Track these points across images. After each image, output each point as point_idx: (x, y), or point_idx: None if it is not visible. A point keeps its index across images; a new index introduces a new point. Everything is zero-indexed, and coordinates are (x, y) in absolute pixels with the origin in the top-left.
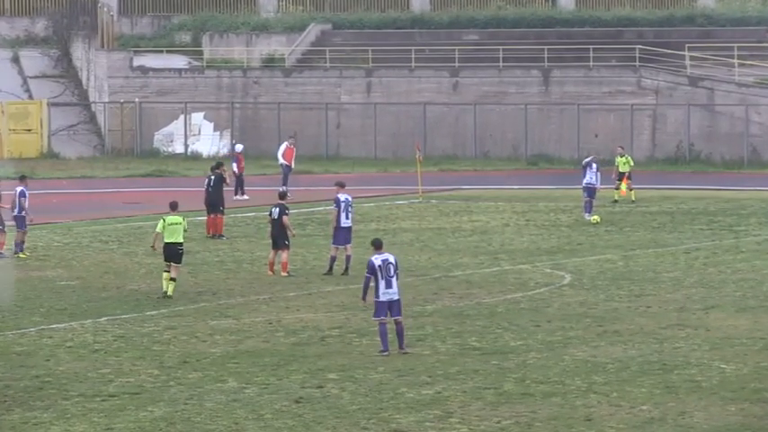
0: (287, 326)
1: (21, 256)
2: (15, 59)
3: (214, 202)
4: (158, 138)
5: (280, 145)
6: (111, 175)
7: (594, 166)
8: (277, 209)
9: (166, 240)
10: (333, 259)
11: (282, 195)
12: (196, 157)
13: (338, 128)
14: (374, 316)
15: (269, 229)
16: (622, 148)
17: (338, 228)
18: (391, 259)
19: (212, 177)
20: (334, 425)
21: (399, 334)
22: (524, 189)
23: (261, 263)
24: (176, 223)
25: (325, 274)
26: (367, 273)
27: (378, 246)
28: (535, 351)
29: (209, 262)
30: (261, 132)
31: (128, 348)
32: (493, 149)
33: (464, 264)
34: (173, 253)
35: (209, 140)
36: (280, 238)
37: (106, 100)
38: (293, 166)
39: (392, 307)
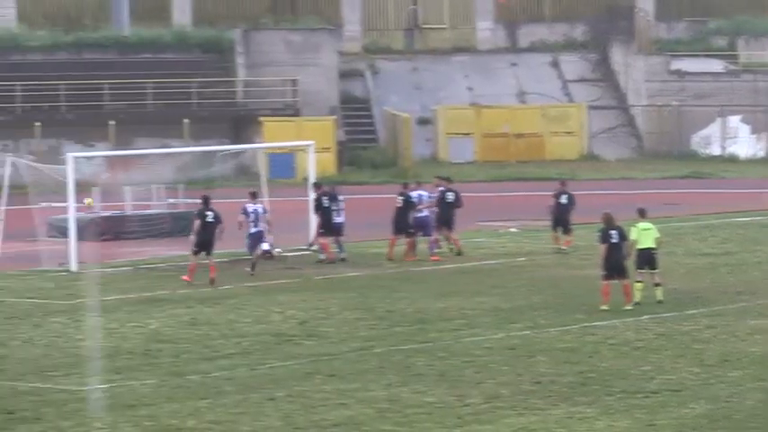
0: None
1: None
2: (555, 64)
3: None
4: (696, 140)
5: None
6: (650, 176)
7: None
8: None
9: (640, 246)
10: None
11: None
12: (733, 159)
13: None
14: None
15: None
16: None
17: None
18: None
19: None
20: None
21: None
22: None
23: None
24: (648, 229)
25: None
26: None
27: None
28: None
29: (748, 262)
30: None
31: (668, 346)
32: None
33: None
34: (647, 258)
35: (745, 143)
36: None
37: (644, 103)
38: None
39: None
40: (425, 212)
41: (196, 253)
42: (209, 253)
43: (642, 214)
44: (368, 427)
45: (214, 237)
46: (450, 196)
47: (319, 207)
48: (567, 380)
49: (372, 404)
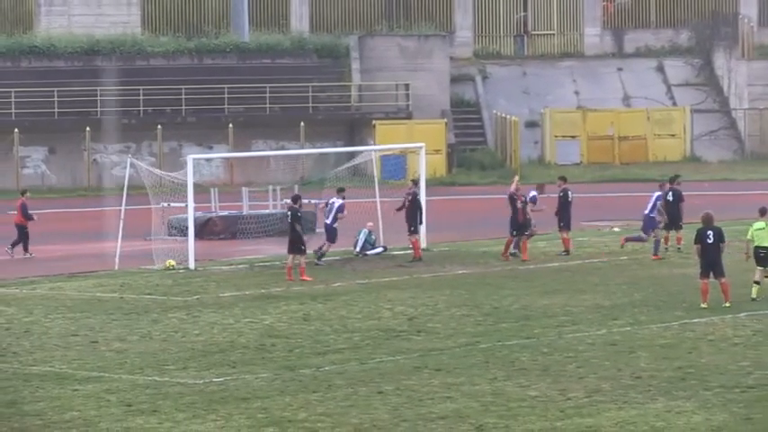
0: None
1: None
2: (660, 68)
3: None
4: None
5: None
6: (752, 177)
7: None
8: None
9: (757, 245)
10: None
11: None
12: None
13: None
14: None
15: None
16: None
17: None
18: None
19: None
20: None
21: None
22: None
23: None
24: (762, 228)
25: None
26: None
27: None
28: None
29: None
30: None
31: (766, 342)
32: None
33: None
34: (758, 256)
35: None
36: None
37: (746, 107)
38: None
39: None
40: None
41: (289, 253)
42: (296, 252)
43: (762, 213)
44: (473, 420)
45: (296, 235)
46: (571, 195)
47: (413, 203)
48: (667, 375)
49: (477, 398)
